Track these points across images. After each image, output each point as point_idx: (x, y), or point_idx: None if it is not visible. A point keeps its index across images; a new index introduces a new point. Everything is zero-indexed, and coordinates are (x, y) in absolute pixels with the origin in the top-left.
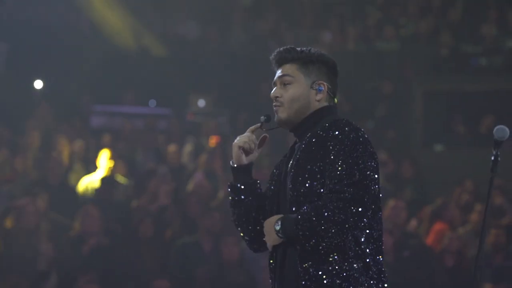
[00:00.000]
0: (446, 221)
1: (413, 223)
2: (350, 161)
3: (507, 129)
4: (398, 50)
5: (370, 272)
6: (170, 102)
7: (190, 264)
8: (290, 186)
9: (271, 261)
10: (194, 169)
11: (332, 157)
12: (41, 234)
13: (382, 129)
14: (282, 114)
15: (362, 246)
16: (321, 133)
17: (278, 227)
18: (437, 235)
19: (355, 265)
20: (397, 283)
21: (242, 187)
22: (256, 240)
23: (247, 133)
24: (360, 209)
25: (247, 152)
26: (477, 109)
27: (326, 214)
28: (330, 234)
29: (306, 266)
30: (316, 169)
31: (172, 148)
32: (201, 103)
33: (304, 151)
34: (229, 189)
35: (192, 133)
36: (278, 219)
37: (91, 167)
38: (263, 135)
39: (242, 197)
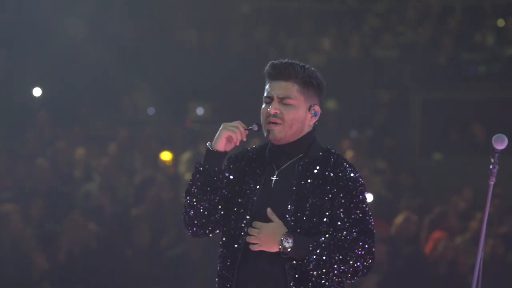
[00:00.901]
0: (445, 230)
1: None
2: (366, 210)
3: (505, 138)
4: (396, 57)
5: None
6: (169, 110)
7: (180, 274)
8: (292, 214)
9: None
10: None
11: (348, 202)
12: (30, 242)
13: (380, 137)
14: (279, 134)
15: (341, 283)
16: (328, 167)
17: (288, 245)
18: (435, 243)
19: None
20: None
21: (212, 172)
22: (203, 225)
23: (240, 126)
24: (374, 263)
25: (229, 142)
26: (476, 118)
27: (348, 258)
28: (341, 276)
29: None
30: (326, 205)
31: (165, 156)
32: (200, 111)
33: (306, 179)
34: (196, 170)
35: (191, 141)
36: (288, 234)
37: (91, 174)
38: (248, 128)
39: (209, 182)
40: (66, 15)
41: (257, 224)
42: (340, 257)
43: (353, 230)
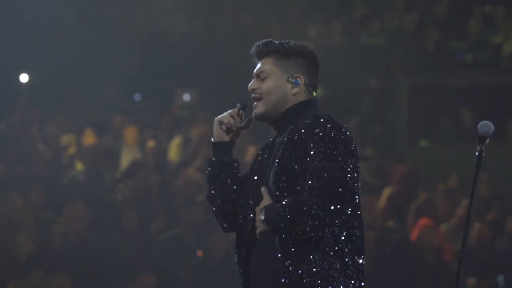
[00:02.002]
0: (431, 217)
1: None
2: (330, 158)
3: (491, 125)
4: (384, 45)
5: (349, 272)
6: (155, 96)
7: (173, 258)
8: (272, 183)
9: (241, 255)
10: (180, 163)
11: (312, 154)
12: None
13: (367, 124)
14: (259, 109)
15: (342, 245)
16: (302, 130)
17: (262, 217)
18: (421, 230)
19: (334, 265)
20: (379, 278)
21: (218, 163)
22: (228, 219)
23: (229, 111)
24: (338, 206)
25: (228, 129)
26: (462, 104)
27: (304, 208)
28: (308, 228)
29: (286, 264)
30: (298, 168)
31: (151, 143)
32: (187, 97)
33: (286, 148)
34: (207, 165)
35: (178, 127)
36: (263, 208)
37: (78, 160)
38: (249, 117)
39: (218, 173)
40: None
41: (256, 209)
42: (297, 211)
43: (313, 182)
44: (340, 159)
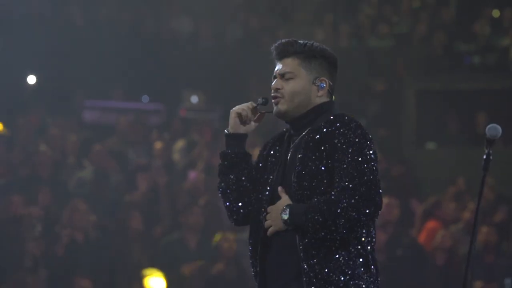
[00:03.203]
0: (439, 219)
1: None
2: (360, 159)
3: (499, 128)
4: (391, 48)
5: (371, 269)
6: (163, 98)
7: (176, 261)
8: (295, 183)
9: (256, 252)
10: (185, 165)
11: (341, 154)
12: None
13: (374, 127)
14: (282, 106)
15: (364, 244)
16: (325, 129)
17: (285, 216)
18: (429, 233)
19: (359, 263)
20: (390, 281)
21: (233, 155)
22: (240, 212)
23: (248, 104)
24: (372, 208)
25: (243, 122)
26: (469, 108)
27: (339, 210)
28: (341, 230)
29: (311, 263)
30: (323, 168)
31: (159, 144)
32: (194, 99)
33: (309, 147)
34: (220, 157)
35: (184, 129)
36: (286, 207)
37: (83, 162)
38: (261, 112)
39: (233, 165)
40: (62, 2)
41: (268, 208)
42: (330, 211)
43: (345, 181)
44: (369, 158)
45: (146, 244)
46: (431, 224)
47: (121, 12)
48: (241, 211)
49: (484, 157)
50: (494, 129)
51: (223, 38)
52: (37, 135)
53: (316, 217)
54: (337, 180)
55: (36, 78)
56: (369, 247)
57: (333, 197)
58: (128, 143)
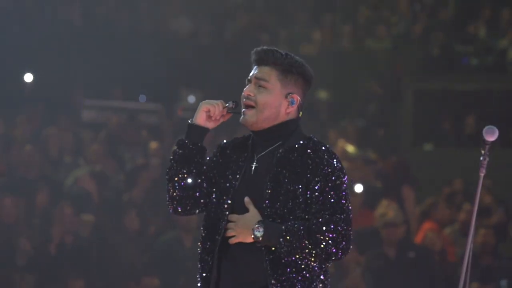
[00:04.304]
0: (435, 221)
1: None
2: (341, 194)
3: (496, 130)
4: (389, 49)
5: (326, 283)
6: (160, 97)
7: (173, 260)
8: (268, 200)
9: (210, 254)
10: None
11: (323, 184)
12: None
13: (371, 128)
14: (250, 117)
15: (323, 267)
16: (305, 153)
17: (259, 233)
18: (426, 234)
19: (318, 285)
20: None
21: (191, 145)
22: (182, 202)
23: (219, 102)
24: (348, 245)
25: (210, 117)
26: (467, 109)
27: (318, 241)
28: (315, 259)
29: (281, 279)
30: (300, 191)
31: (155, 144)
32: (191, 98)
33: (284, 166)
34: (176, 144)
35: (182, 129)
36: (260, 224)
37: (80, 161)
38: (228, 113)
39: (190, 155)
40: (60, 1)
41: (233, 217)
42: (311, 241)
43: (326, 214)
44: (347, 198)
45: (142, 244)
46: (427, 225)
47: (119, 11)
48: (183, 201)
49: (481, 158)
50: (491, 131)
51: (221, 38)
52: (34, 133)
53: (294, 243)
54: (316, 209)
55: (33, 76)
56: (326, 270)
57: (314, 227)
58: (124, 142)
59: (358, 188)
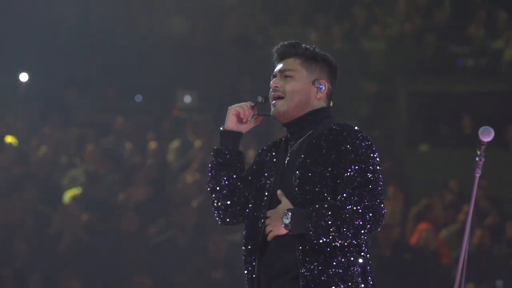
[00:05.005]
0: (431, 222)
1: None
2: (366, 168)
3: (492, 130)
4: (384, 49)
5: (368, 280)
6: (156, 97)
7: (166, 260)
8: (297, 187)
9: (252, 255)
10: (180, 166)
11: (347, 162)
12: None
13: (366, 129)
14: (281, 107)
15: (363, 253)
16: (331, 137)
17: (287, 220)
18: (421, 235)
19: (357, 272)
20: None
21: (227, 152)
22: (228, 210)
23: (244, 103)
24: (377, 216)
25: (240, 120)
26: (462, 110)
27: (343, 216)
28: (344, 236)
29: (310, 267)
30: (327, 173)
31: (153, 144)
32: (187, 99)
33: (311, 152)
34: (213, 153)
35: (178, 129)
36: (288, 211)
37: (76, 161)
38: (259, 114)
39: (227, 162)
40: (55, 1)
41: (268, 213)
42: (336, 216)
43: (350, 189)
44: (375, 169)
45: (138, 244)
46: (423, 226)
47: (115, 11)
48: (229, 210)
49: (476, 159)
50: (487, 132)
51: (216, 38)
52: (29, 134)
53: (320, 222)
54: (342, 186)
55: (29, 76)
56: (367, 257)
57: (338, 203)
58: (121, 142)
59: None
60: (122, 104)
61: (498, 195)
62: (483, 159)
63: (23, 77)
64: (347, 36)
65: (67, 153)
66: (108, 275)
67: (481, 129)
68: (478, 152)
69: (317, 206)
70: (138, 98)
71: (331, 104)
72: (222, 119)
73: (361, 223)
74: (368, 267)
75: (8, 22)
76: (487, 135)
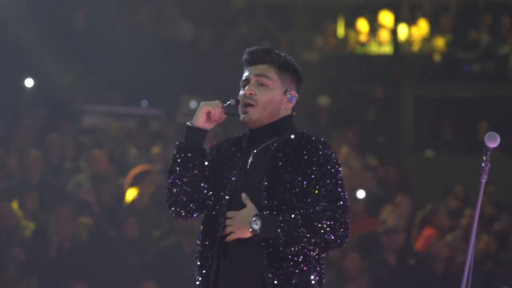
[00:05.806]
0: (436, 227)
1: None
2: (337, 183)
3: (498, 136)
4: (390, 55)
5: (323, 282)
6: (161, 103)
7: (172, 266)
8: (265, 192)
9: (210, 251)
10: None
11: (319, 174)
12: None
13: (372, 134)
14: (254, 115)
15: (320, 260)
16: (299, 145)
17: (256, 226)
18: (426, 240)
19: (315, 277)
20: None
21: (193, 148)
22: (187, 206)
23: (218, 102)
24: (346, 232)
25: (209, 119)
26: (468, 116)
27: (316, 229)
28: (313, 249)
29: (278, 272)
30: (297, 182)
31: (156, 149)
32: (193, 104)
33: (279, 158)
34: (177, 148)
35: (183, 134)
36: (257, 217)
37: (81, 166)
38: (229, 113)
39: (192, 158)
40: (61, 5)
41: (230, 213)
42: (309, 229)
43: (323, 202)
44: (343, 186)
45: (142, 249)
46: (428, 231)
47: (120, 16)
48: (187, 205)
49: (482, 165)
50: (493, 137)
51: (222, 44)
52: (34, 139)
53: (291, 232)
54: (313, 198)
55: (34, 81)
56: (321, 261)
57: (311, 215)
58: (126, 148)
59: (360, 194)
60: (127, 109)
61: (505, 200)
62: (489, 165)
63: (29, 82)
64: (354, 41)
65: (72, 158)
66: (113, 281)
67: (487, 135)
68: (484, 158)
69: (288, 215)
70: (144, 103)
71: (294, 113)
72: (227, 125)
73: (332, 237)
74: (323, 276)
75: (13, 27)
76: (493, 141)
